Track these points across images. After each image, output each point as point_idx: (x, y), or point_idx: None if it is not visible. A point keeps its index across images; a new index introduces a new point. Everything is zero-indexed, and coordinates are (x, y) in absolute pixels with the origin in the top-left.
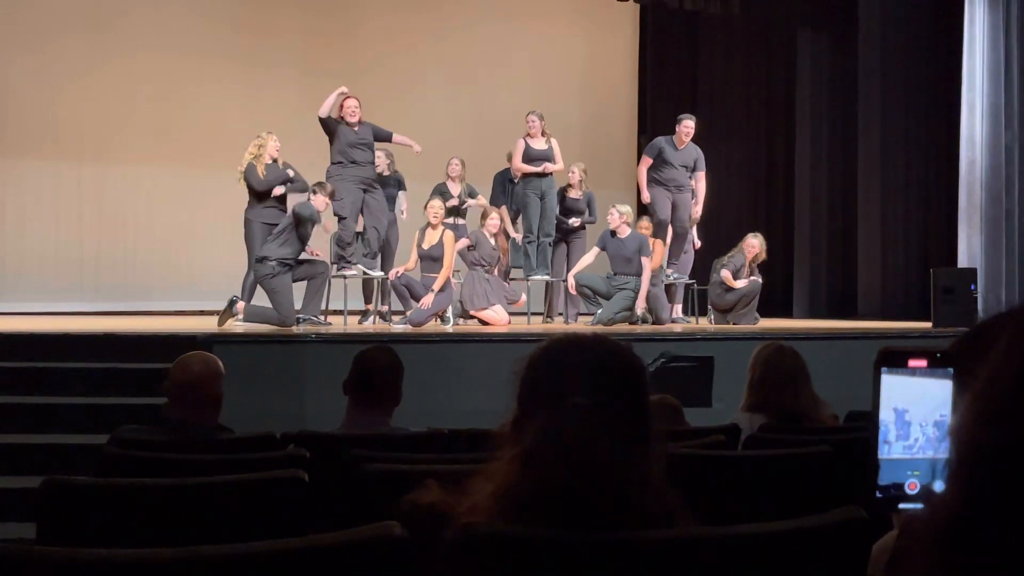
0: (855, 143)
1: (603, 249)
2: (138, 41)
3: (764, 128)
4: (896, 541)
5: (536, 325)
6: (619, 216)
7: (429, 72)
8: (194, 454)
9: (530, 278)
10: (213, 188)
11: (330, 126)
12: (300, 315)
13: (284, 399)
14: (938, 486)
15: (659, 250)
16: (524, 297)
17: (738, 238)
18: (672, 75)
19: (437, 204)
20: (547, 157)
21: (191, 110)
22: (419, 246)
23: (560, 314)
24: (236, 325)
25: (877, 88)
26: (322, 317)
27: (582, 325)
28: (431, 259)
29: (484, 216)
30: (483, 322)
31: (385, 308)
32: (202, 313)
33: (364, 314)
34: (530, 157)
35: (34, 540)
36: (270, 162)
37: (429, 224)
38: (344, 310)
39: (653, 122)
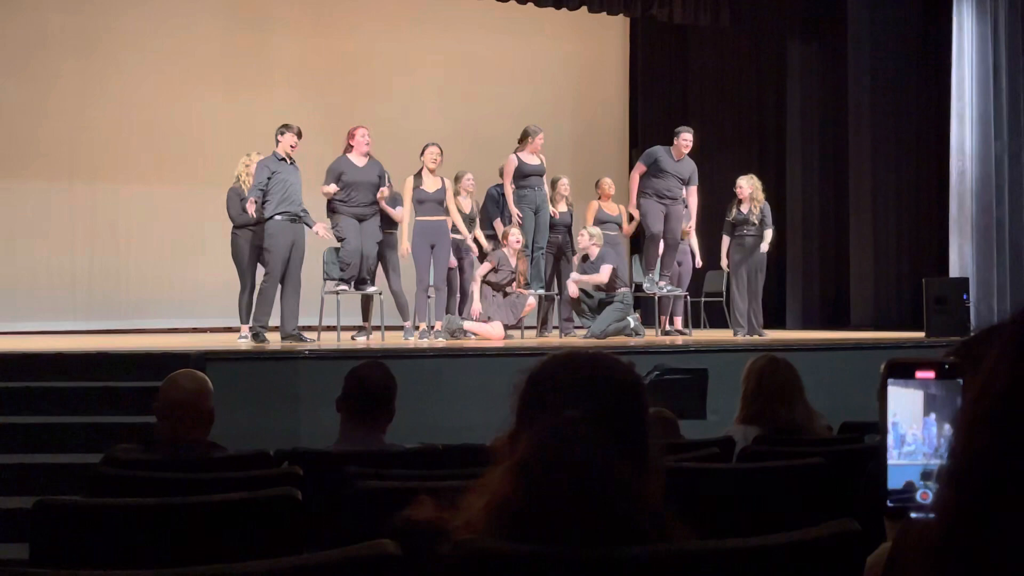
0: (846, 154)
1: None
2: (128, 58)
3: (755, 139)
4: (891, 551)
5: (530, 339)
6: (589, 238)
7: (421, 87)
8: (187, 473)
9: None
10: (204, 204)
11: (338, 170)
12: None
13: (278, 416)
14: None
15: (592, 208)
16: (532, 301)
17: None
18: (663, 88)
19: (435, 150)
20: (541, 172)
21: (181, 127)
22: (417, 190)
23: (556, 327)
24: (240, 343)
25: (867, 98)
26: (305, 334)
27: (577, 339)
28: (436, 202)
29: (505, 236)
30: (475, 334)
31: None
32: (195, 330)
33: (359, 330)
34: (524, 173)
35: (27, 561)
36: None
37: (426, 168)
38: (337, 326)
39: (644, 135)
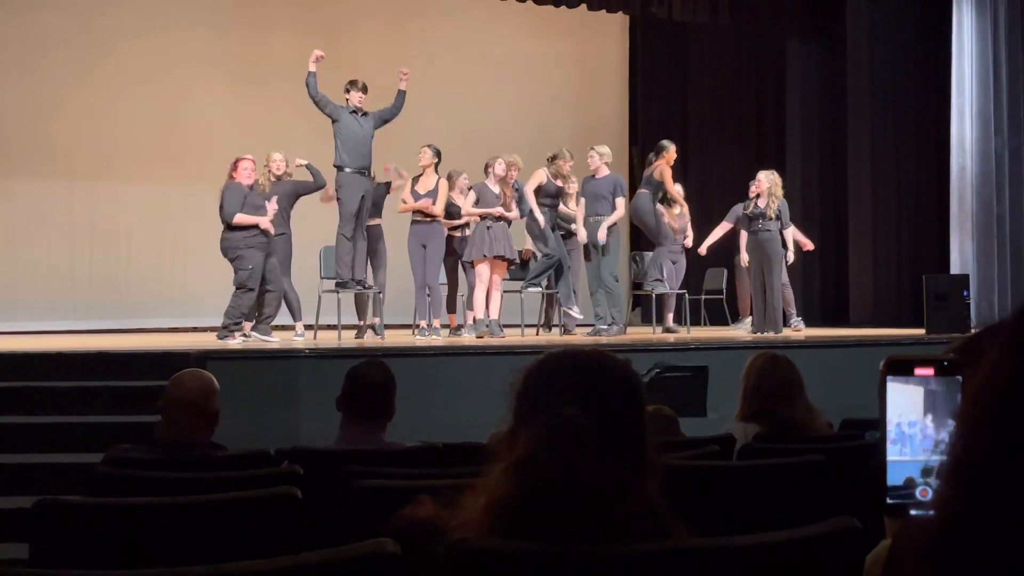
0: (845, 150)
1: (582, 194)
2: (129, 57)
3: (754, 137)
4: (891, 549)
5: (530, 337)
6: (599, 157)
7: (420, 87)
8: (187, 472)
9: (525, 291)
10: (205, 204)
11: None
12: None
13: (278, 415)
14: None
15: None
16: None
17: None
18: (662, 85)
19: (423, 151)
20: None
21: (181, 125)
22: (413, 191)
23: (556, 325)
24: (228, 344)
25: (867, 95)
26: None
27: (579, 337)
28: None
29: (489, 167)
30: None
31: (376, 321)
32: (196, 330)
33: (359, 329)
34: (548, 192)
35: (27, 561)
36: (274, 180)
37: (423, 172)
38: (338, 325)
39: (644, 133)
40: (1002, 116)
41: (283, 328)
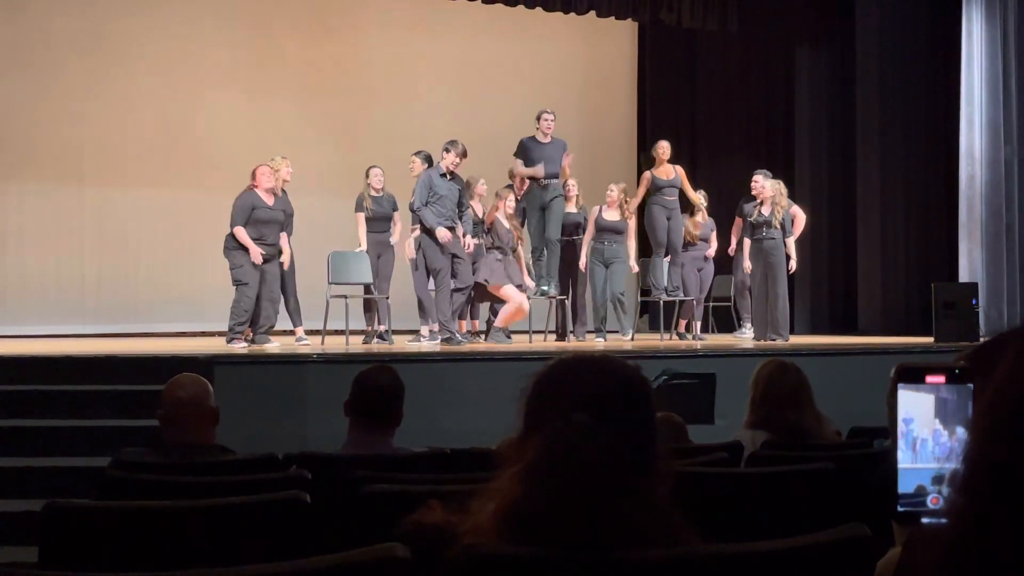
0: (854, 158)
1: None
2: (138, 63)
3: (763, 144)
4: (901, 557)
5: (538, 343)
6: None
7: (428, 92)
8: (196, 476)
9: (535, 295)
10: (214, 208)
11: None
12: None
13: (286, 420)
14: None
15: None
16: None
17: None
18: (671, 92)
19: (416, 161)
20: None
21: (191, 131)
22: None
23: (571, 331)
24: (234, 348)
25: (875, 103)
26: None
27: (587, 343)
28: None
29: (497, 197)
30: (497, 300)
31: (383, 328)
32: (204, 334)
33: (367, 334)
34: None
35: (36, 564)
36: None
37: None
38: (346, 330)
39: (652, 139)
40: (1011, 125)
41: (284, 333)
